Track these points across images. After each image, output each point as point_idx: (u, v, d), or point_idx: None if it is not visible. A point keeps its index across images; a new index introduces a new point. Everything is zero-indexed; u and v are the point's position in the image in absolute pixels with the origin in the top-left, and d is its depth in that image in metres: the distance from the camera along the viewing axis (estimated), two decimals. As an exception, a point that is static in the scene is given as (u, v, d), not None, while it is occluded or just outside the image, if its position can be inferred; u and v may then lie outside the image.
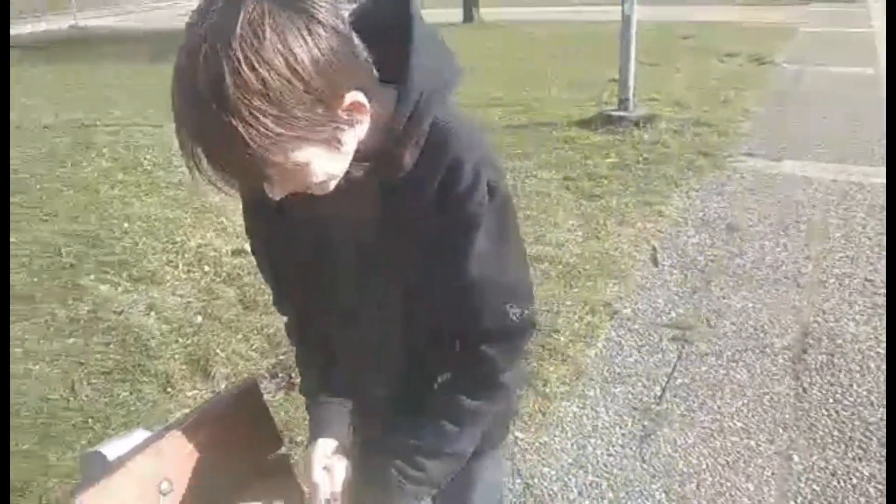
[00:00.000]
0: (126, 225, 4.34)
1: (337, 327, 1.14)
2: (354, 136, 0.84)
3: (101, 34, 15.96)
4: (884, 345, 3.02)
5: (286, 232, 1.04)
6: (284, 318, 1.24)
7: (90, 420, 2.52)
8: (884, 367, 2.87)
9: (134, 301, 3.37)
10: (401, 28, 0.89)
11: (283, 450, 1.34)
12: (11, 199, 4.83)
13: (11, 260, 3.87)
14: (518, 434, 2.54)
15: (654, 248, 3.97)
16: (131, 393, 2.67)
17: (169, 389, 2.68)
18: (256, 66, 0.70)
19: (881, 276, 3.58)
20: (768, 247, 4.00)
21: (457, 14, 15.71)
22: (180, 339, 3.00)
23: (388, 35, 0.88)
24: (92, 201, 4.80)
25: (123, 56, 11.84)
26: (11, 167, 5.60)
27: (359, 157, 0.88)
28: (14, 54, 12.85)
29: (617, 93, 6.70)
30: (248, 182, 0.80)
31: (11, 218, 4.49)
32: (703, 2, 19.01)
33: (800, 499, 2.27)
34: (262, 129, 0.72)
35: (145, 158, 5.77)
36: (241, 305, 3.33)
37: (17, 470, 2.31)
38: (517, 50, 11.45)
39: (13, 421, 2.53)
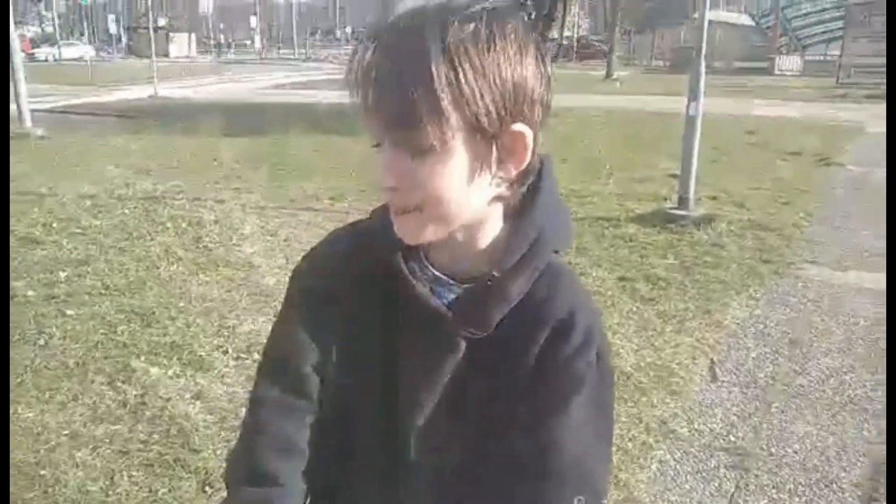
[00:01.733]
0: (182, 304, 4.42)
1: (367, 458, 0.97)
2: (490, 185, 0.81)
3: (177, 105, 16.78)
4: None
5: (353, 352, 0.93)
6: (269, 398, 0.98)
7: (126, 518, 2.50)
8: (965, 516, 2.65)
9: (181, 388, 3.38)
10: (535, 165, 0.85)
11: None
12: (78, 270, 5.00)
13: (70, 334, 3.96)
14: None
15: (712, 362, 3.82)
16: (170, 490, 2.63)
17: (207, 488, 2.64)
18: (496, 33, 0.74)
19: (959, 410, 3.35)
20: (833, 366, 3.81)
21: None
22: (223, 433, 2.98)
23: None
24: (152, 277, 4.92)
25: (196, 128, 12.36)
26: (84, 236, 5.82)
27: (463, 276, 0.85)
28: (106, 122, 13.59)
29: (677, 190, 6.65)
30: (395, 131, 0.78)
31: (75, 289, 4.63)
32: (769, 96, 19.01)
33: None
34: (461, 86, 0.74)
35: (207, 236, 5.92)
36: (287, 399, 3.30)
37: (50, 567, 2.29)
38: (579, 136, 11.53)
39: (52, 511, 2.53)
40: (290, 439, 0.96)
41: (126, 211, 6.67)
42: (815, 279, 5.16)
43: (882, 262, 5.42)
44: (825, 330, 4.28)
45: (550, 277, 0.87)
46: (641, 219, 6.53)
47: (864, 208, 7.24)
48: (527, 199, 0.85)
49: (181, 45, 45.53)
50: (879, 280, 5.09)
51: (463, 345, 0.87)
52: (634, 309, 4.50)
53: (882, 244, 5.88)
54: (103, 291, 4.63)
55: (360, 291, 0.89)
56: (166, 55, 38.88)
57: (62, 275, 4.88)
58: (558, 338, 0.85)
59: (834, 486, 2.84)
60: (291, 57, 47.04)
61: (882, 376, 3.68)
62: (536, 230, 0.84)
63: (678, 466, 2.95)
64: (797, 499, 2.77)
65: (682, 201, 6.49)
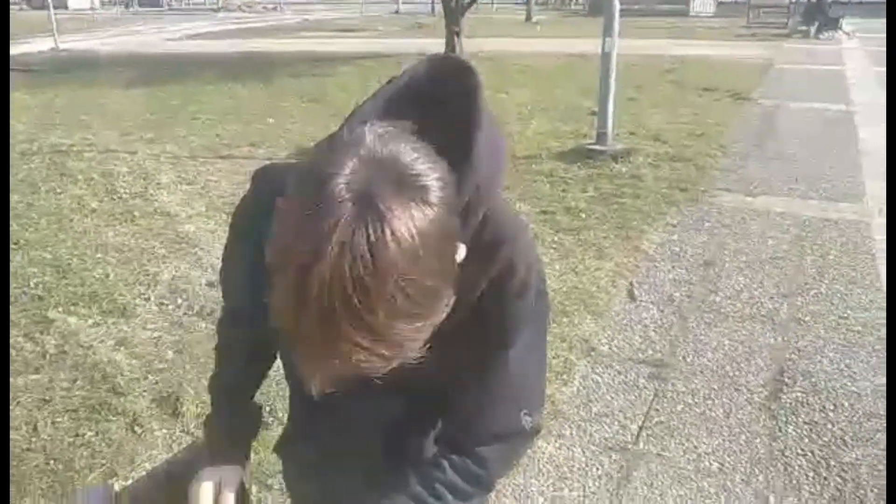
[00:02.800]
0: (99, 255, 4.28)
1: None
2: None
3: (82, 57, 15.89)
4: (858, 383, 3.03)
5: None
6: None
7: (52, 462, 2.45)
8: (858, 406, 2.88)
9: (103, 335, 3.30)
10: (466, 109, 0.82)
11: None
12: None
13: (-21, 290, 3.79)
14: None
15: (631, 284, 3.97)
16: (97, 433, 2.59)
17: (136, 429, 2.61)
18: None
19: (854, 314, 3.61)
20: (743, 283, 4.02)
21: (439, 45, 15.86)
22: (150, 376, 2.93)
23: (451, 114, 0.81)
24: (64, 230, 4.73)
25: (103, 80, 11.78)
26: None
27: None
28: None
29: (596, 126, 6.77)
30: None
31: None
32: (684, 36, 19.37)
33: (776, 543, 2.25)
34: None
35: (121, 187, 5.71)
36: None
37: (-26, 514, 2.24)
38: (500, 82, 11.54)
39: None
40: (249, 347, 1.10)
41: (32, 166, 6.35)
42: (727, 205, 5.38)
43: (792, 186, 5.73)
44: (737, 250, 4.49)
45: (493, 231, 0.87)
46: (562, 155, 6.64)
47: (773, 139, 7.55)
48: (466, 146, 0.81)
49: (82, -4, 42.80)
50: (788, 203, 5.38)
51: None
52: (556, 239, 4.60)
53: (792, 170, 6.19)
54: (13, 246, 4.43)
55: None
56: (65, 7, 36.49)
57: (-34, 232, 4.64)
58: (498, 287, 0.89)
59: (743, 388, 3.03)
60: (203, 7, 44.99)
61: (786, 290, 3.92)
62: (475, 183, 0.81)
63: (599, 380, 3.09)
64: (710, 402, 2.94)
65: (601, 137, 6.62)
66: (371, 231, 0.61)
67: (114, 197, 5.48)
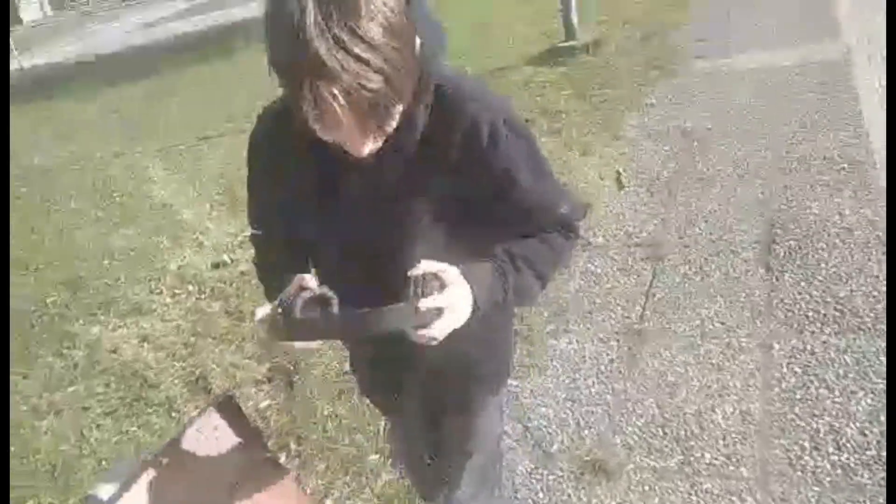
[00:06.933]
0: (106, 262, 4.40)
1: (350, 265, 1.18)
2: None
3: (50, 73, 15.77)
4: (847, 219, 3.08)
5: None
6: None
7: (104, 462, 2.62)
8: (849, 240, 2.94)
9: (126, 336, 3.45)
10: None
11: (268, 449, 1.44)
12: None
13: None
14: (510, 381, 2.62)
15: (618, 172, 4.01)
16: (139, 426, 2.76)
17: (174, 414, 2.77)
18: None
19: (838, 152, 3.62)
20: (728, 144, 4.03)
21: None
22: (176, 364, 3.08)
23: None
24: (70, 245, 4.85)
25: (75, 89, 11.72)
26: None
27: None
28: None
29: (563, 22, 6.63)
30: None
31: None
32: None
33: (784, 384, 2.36)
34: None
35: (115, 190, 5.79)
36: (229, 317, 3.40)
37: (46, 522, 2.43)
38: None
39: (33, 479, 2.63)
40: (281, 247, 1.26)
41: (23, 189, 6.44)
42: (704, 72, 5.32)
43: (766, 39, 5.63)
44: (719, 113, 4.47)
45: (451, 95, 1.01)
46: (536, 59, 6.54)
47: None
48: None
49: (33, 7, 42.04)
50: (765, 57, 5.27)
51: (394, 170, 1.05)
52: (541, 145, 4.60)
53: (763, 24, 6.05)
54: (23, 272, 4.56)
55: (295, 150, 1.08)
56: (20, 22, 35.85)
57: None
58: (469, 145, 1.02)
59: (738, 249, 3.10)
60: (155, -9, 43.85)
61: (770, 142, 3.92)
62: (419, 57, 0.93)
63: (599, 271, 3.17)
64: (707, 269, 3.02)
65: (569, 30, 6.50)
66: None
67: (111, 202, 5.57)
